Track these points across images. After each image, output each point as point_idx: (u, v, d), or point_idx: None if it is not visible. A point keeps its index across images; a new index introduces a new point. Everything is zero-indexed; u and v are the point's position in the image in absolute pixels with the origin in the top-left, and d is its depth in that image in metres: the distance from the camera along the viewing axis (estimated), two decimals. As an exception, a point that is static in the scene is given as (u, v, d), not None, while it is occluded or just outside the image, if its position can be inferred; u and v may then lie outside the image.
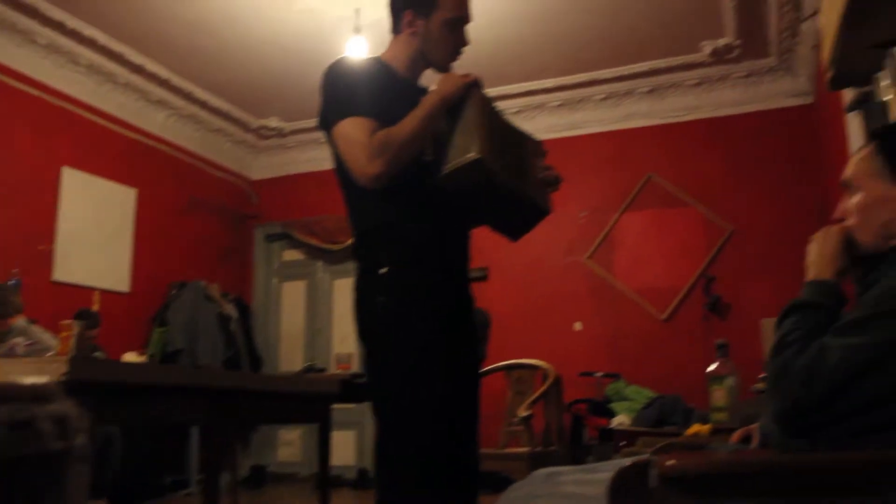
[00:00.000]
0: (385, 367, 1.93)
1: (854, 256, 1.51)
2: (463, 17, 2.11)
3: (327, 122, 1.97)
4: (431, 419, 1.88)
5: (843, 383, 1.28)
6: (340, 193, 2.08)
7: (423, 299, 1.94)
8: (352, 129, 1.89)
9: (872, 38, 2.09)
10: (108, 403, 2.22)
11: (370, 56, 2.13)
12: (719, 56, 5.58)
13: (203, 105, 6.37)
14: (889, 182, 1.46)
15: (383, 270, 1.93)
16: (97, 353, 4.71)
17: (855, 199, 1.51)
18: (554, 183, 2.08)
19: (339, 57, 2.10)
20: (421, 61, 2.13)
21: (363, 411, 6.60)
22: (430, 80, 2.05)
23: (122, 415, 2.43)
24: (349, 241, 6.31)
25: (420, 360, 1.89)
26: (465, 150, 1.84)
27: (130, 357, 4.44)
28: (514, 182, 1.95)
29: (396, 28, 2.12)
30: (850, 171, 1.54)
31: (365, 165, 1.86)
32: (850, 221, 1.52)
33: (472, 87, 1.95)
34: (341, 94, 1.96)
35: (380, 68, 2.06)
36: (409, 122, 1.90)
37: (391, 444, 1.91)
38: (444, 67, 2.12)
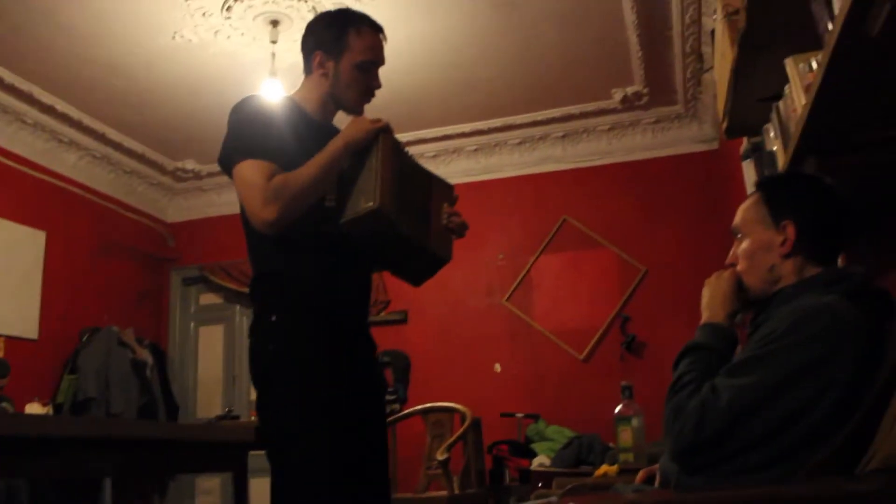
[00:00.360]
0: (275, 415, 1.90)
1: (744, 299, 1.59)
2: (374, 61, 2.10)
3: (228, 163, 1.93)
4: (320, 470, 1.82)
5: (732, 422, 1.34)
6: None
7: (311, 347, 1.90)
8: (250, 172, 1.86)
9: (759, 92, 2.23)
10: (11, 457, 2.13)
11: (283, 96, 2.10)
12: (629, 103, 5.78)
13: (117, 146, 6.24)
14: (773, 229, 1.55)
15: (273, 318, 1.91)
16: (4, 404, 4.52)
17: (743, 246, 1.60)
18: (458, 230, 2.06)
19: (246, 96, 2.06)
20: (331, 103, 2.11)
21: (282, 457, 6.47)
22: (344, 121, 2.03)
23: (27, 468, 2.34)
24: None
25: (308, 409, 1.85)
26: (365, 198, 1.83)
27: (34, 408, 4.28)
28: (415, 231, 1.94)
29: (307, 69, 2.10)
30: (738, 219, 1.63)
31: (260, 210, 1.82)
32: (740, 266, 1.60)
33: (380, 132, 1.93)
34: (244, 134, 1.92)
35: (290, 108, 2.03)
36: (309, 168, 1.87)
37: (284, 494, 1.87)
38: (354, 110, 2.10)
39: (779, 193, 1.58)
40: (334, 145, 1.91)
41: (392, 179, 1.90)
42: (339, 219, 1.89)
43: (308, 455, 1.83)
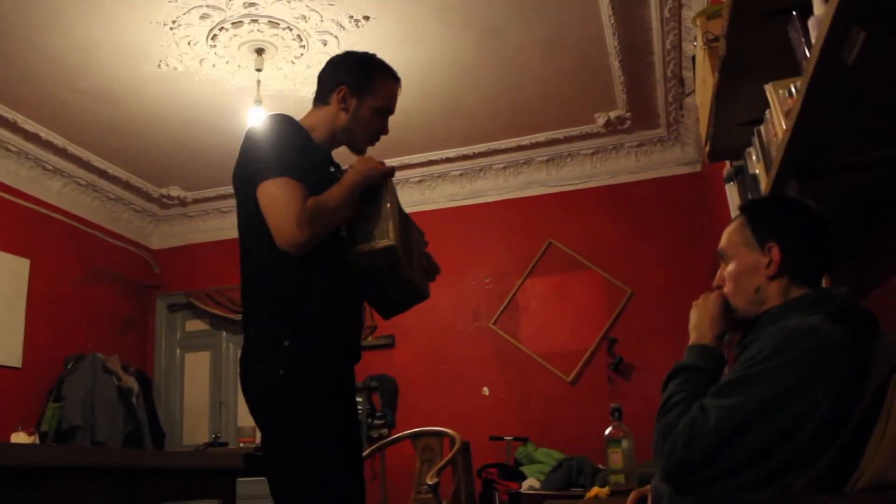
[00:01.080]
0: (287, 441, 1.89)
1: (731, 321, 1.62)
2: (390, 108, 2.20)
3: (257, 178, 1.92)
4: (337, 492, 1.86)
5: (721, 442, 1.35)
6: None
7: (324, 373, 1.92)
8: (285, 191, 1.86)
9: (740, 117, 2.28)
10: (-5, 488, 2.11)
11: (292, 118, 2.11)
12: (612, 127, 5.85)
13: (102, 174, 6.24)
14: (758, 252, 1.58)
15: (286, 343, 1.90)
16: (-14, 434, 4.47)
17: (729, 268, 1.63)
18: (433, 272, 2.21)
19: (277, 113, 2.08)
20: (340, 137, 2.16)
21: (270, 485, 6.41)
22: (345, 158, 2.10)
23: (10, 498, 2.31)
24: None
25: (323, 433, 1.88)
26: (380, 235, 1.96)
27: (20, 437, 4.23)
28: (409, 269, 2.06)
29: (324, 99, 2.16)
30: (723, 242, 1.66)
31: (293, 229, 1.84)
32: (727, 288, 1.63)
33: (387, 175, 2.04)
34: (273, 152, 1.94)
35: (305, 133, 2.07)
36: (337, 196, 1.92)
37: None
38: (361, 150, 2.17)
39: (763, 217, 1.61)
40: (352, 179, 1.98)
41: (398, 220, 2.03)
42: (350, 249, 1.97)
43: (324, 480, 1.86)
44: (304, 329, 1.93)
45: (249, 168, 1.97)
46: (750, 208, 1.67)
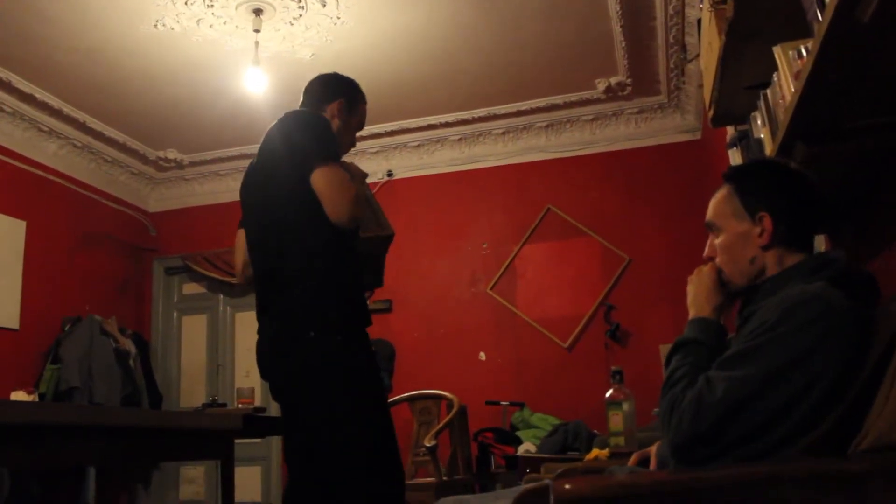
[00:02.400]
0: (337, 410, 2.12)
1: (728, 292, 1.61)
2: (362, 126, 2.61)
3: (318, 160, 2.18)
4: (384, 454, 2.17)
5: (728, 414, 1.34)
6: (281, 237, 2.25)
7: (365, 337, 2.23)
8: (340, 176, 2.18)
9: (746, 80, 2.26)
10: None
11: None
12: (612, 93, 5.81)
13: (98, 136, 6.19)
14: (748, 221, 1.55)
15: (336, 312, 2.16)
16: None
17: (720, 239, 1.61)
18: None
19: (309, 111, 2.43)
20: None
21: (268, 446, 6.46)
22: None
23: (10, 457, 2.32)
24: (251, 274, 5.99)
25: (373, 397, 2.19)
26: (383, 226, 2.46)
27: (19, 396, 4.24)
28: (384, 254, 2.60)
29: (318, 105, 2.48)
30: (710, 213, 1.63)
31: (351, 206, 2.15)
32: (719, 260, 1.61)
33: (365, 176, 2.46)
34: (328, 141, 2.25)
35: None
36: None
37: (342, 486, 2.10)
38: (341, 154, 2.46)
39: (750, 185, 1.57)
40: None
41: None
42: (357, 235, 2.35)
43: (371, 445, 2.15)
44: (347, 298, 2.21)
45: (304, 151, 2.22)
46: (735, 177, 1.62)
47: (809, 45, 1.56)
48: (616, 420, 2.66)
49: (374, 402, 2.19)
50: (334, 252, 2.21)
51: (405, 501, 2.24)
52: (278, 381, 2.23)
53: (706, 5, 2.51)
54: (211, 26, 4.72)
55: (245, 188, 2.50)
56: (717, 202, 1.62)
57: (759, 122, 2.21)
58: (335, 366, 2.13)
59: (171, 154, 6.70)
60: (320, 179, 2.16)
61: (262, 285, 2.33)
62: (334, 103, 2.48)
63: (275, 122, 2.39)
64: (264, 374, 2.29)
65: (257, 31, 4.63)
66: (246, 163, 7.47)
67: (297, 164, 2.20)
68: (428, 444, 4.09)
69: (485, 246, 6.27)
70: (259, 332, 2.33)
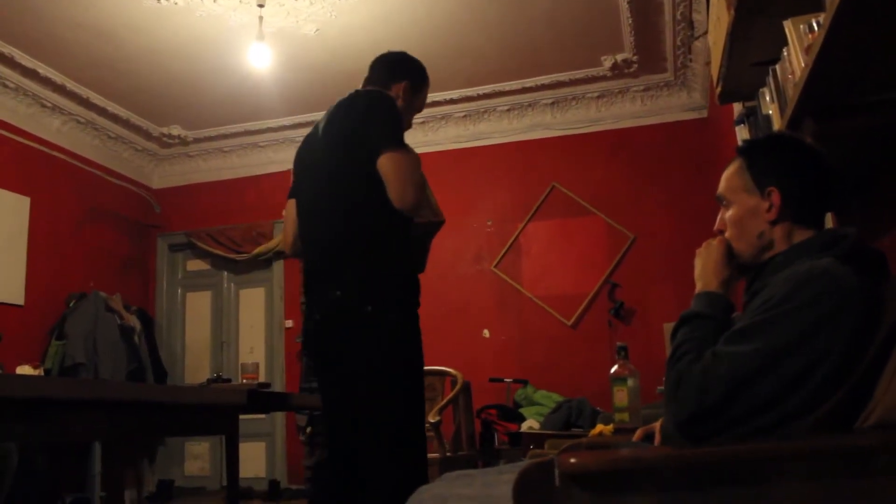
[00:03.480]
0: (399, 373, 2.23)
1: (736, 266, 1.60)
2: (422, 109, 2.65)
3: (389, 144, 2.20)
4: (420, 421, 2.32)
5: (735, 389, 1.34)
6: (343, 224, 2.27)
7: (416, 325, 2.38)
8: (410, 162, 2.21)
9: (754, 56, 2.23)
10: (1, 419, 2.13)
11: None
12: (619, 70, 5.77)
13: (101, 112, 6.17)
14: (758, 195, 1.54)
15: (399, 291, 2.27)
16: (-4, 369, 4.50)
17: (730, 213, 1.60)
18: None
19: (381, 91, 2.43)
20: None
21: (273, 422, 6.50)
22: None
23: (17, 431, 2.34)
24: (256, 251, 6.30)
25: (418, 376, 2.34)
26: (436, 212, 2.52)
27: (25, 370, 4.26)
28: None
29: (383, 83, 2.48)
30: (722, 186, 1.63)
31: (418, 192, 2.19)
32: (728, 234, 1.60)
33: None
34: (398, 125, 2.28)
35: None
36: None
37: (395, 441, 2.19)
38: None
39: (761, 159, 1.56)
40: None
41: None
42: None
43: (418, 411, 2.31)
44: (405, 278, 2.31)
45: (375, 134, 2.23)
46: (748, 151, 1.62)
47: (821, 18, 1.54)
48: (621, 395, 2.66)
49: (418, 380, 2.31)
50: (395, 234, 2.25)
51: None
52: (330, 352, 2.27)
53: (715, -20, 2.48)
54: (215, 1, 4.69)
55: (301, 160, 2.48)
56: (729, 176, 1.61)
57: (767, 98, 2.19)
58: (388, 342, 2.20)
59: (175, 130, 6.68)
60: (389, 164, 2.18)
61: (317, 258, 2.34)
62: (401, 84, 2.50)
63: (343, 97, 2.40)
64: (313, 344, 2.34)
65: (261, 5, 4.60)
66: (250, 139, 7.44)
67: (366, 145, 2.21)
68: (432, 420, 4.11)
69: (489, 223, 6.27)
70: (308, 303, 2.36)
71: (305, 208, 2.42)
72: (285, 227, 2.53)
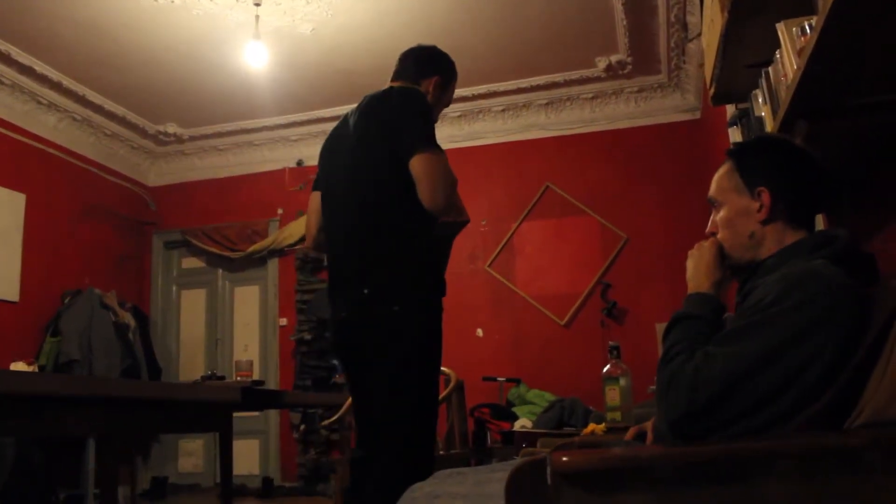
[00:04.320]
0: (420, 371, 2.21)
1: (728, 267, 1.61)
2: (450, 104, 2.67)
3: (423, 145, 2.18)
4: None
5: (727, 389, 1.34)
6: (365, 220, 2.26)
7: (440, 326, 2.32)
8: (443, 163, 2.19)
9: (747, 58, 2.25)
10: (-3, 416, 2.14)
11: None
12: (613, 72, 5.79)
13: (98, 109, 6.17)
14: (748, 196, 1.56)
15: (424, 290, 2.24)
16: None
17: (721, 214, 1.61)
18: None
19: (417, 89, 2.42)
20: None
21: (266, 419, 6.51)
22: None
23: (11, 426, 2.35)
24: (251, 249, 6.30)
25: (436, 376, 2.32)
26: (463, 212, 2.52)
27: (19, 366, 4.26)
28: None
29: (414, 79, 2.48)
30: (712, 188, 1.64)
31: (448, 194, 2.17)
32: (720, 235, 1.61)
33: None
34: (431, 124, 2.26)
35: None
36: None
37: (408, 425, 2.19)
38: None
39: (750, 160, 1.58)
40: None
41: None
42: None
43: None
44: (433, 278, 2.30)
45: (409, 133, 2.21)
46: (737, 153, 1.63)
47: (813, 21, 1.56)
48: (613, 395, 2.68)
49: (436, 380, 2.30)
50: (423, 234, 2.24)
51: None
52: (356, 351, 2.26)
53: (710, -18, 2.49)
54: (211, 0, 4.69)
55: (329, 153, 2.46)
56: (719, 177, 1.62)
57: (760, 100, 2.21)
58: (414, 342, 2.19)
59: (171, 128, 6.68)
60: (422, 165, 2.16)
61: (343, 253, 2.32)
62: (431, 79, 2.50)
63: (377, 91, 2.38)
64: (339, 342, 2.34)
65: (258, 4, 4.60)
66: (246, 138, 7.45)
67: (399, 144, 2.19)
68: (426, 419, 4.10)
69: (483, 223, 6.28)
70: (332, 298, 2.35)
71: (332, 202, 2.39)
72: (308, 219, 2.49)
